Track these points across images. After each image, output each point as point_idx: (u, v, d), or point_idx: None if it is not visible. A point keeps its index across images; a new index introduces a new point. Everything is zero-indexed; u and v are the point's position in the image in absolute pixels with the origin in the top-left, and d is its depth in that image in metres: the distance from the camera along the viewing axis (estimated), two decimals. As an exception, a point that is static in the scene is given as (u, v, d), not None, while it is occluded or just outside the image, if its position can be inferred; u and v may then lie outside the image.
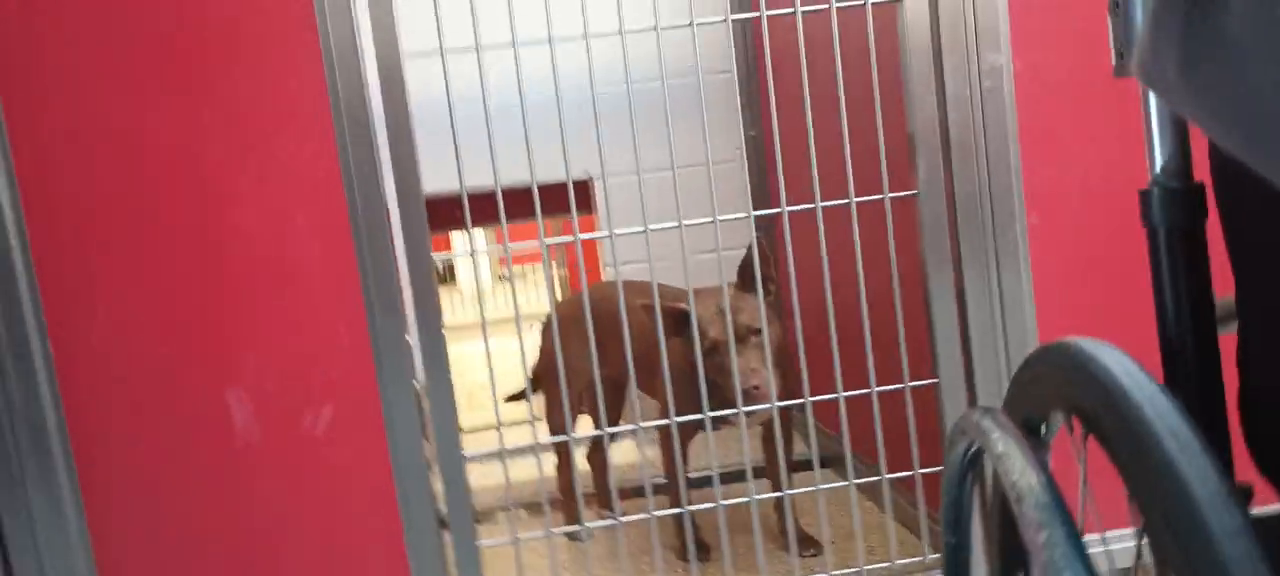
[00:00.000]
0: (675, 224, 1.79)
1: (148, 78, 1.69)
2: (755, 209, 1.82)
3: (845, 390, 1.79)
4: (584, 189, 3.19)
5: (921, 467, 1.79)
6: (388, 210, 1.75)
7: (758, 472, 2.28)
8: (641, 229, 1.80)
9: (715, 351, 1.98)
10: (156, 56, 1.70)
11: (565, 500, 2.53)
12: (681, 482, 2.01)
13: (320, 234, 1.74)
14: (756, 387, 1.90)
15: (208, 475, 1.74)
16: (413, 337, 1.79)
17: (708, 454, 2.86)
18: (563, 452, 2.52)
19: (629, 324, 1.93)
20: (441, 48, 1.70)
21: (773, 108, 1.73)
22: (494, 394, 1.94)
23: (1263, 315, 0.65)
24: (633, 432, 3.16)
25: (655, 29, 1.73)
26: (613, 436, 2.67)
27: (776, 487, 2.24)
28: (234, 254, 1.74)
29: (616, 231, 1.82)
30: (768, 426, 2.26)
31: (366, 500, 1.77)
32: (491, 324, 1.93)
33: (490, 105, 1.74)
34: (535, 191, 1.79)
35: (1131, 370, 0.58)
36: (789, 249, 1.76)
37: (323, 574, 1.77)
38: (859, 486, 1.88)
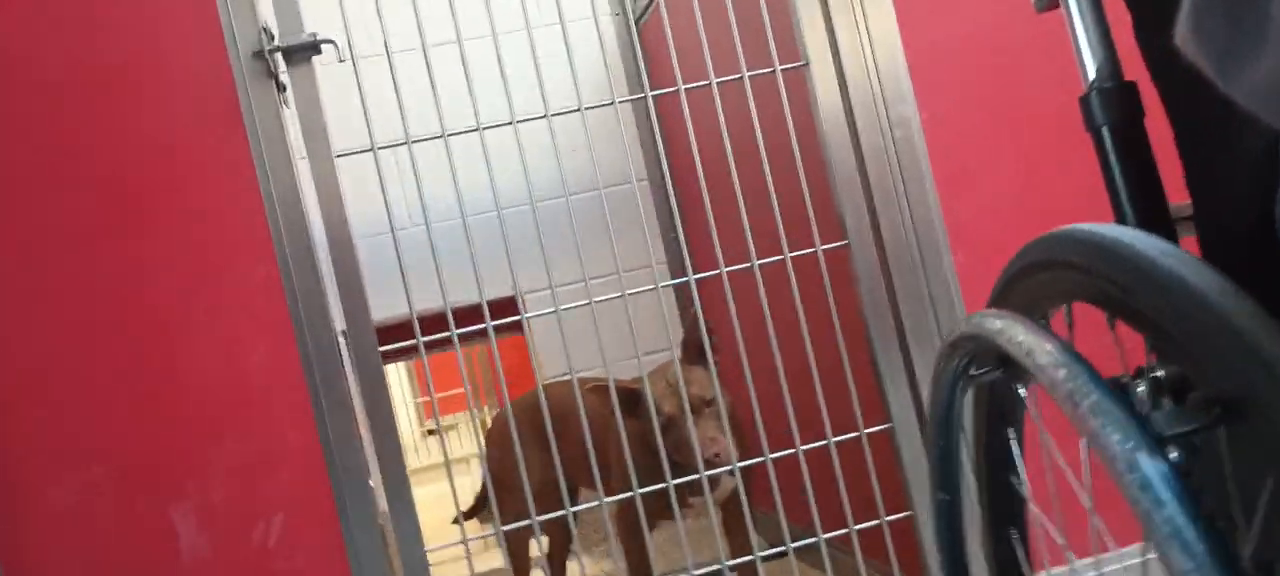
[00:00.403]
0: (596, 299, 1.81)
1: (93, 222, 1.69)
2: (681, 296, 1.87)
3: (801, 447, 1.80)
4: (510, 308, 3.20)
5: (888, 515, 1.80)
6: (333, 325, 1.74)
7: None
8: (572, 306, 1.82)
9: (672, 426, 1.98)
10: (101, 201, 1.69)
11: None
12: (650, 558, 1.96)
13: (268, 351, 1.72)
14: (717, 455, 1.90)
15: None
16: (369, 451, 1.76)
17: (676, 550, 2.82)
18: (521, 566, 2.45)
19: (583, 411, 1.92)
20: (381, 182, 1.73)
21: (701, 175, 1.79)
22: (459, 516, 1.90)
23: (1209, 207, 0.69)
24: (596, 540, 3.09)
25: (546, 116, 1.79)
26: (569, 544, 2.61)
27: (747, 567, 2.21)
28: (183, 381, 1.70)
29: (542, 316, 1.83)
30: (731, 505, 2.23)
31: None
32: (418, 472, 1.91)
33: (399, 235, 1.78)
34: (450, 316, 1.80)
35: (1152, 241, 0.60)
36: (732, 308, 1.80)
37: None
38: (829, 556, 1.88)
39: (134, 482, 1.67)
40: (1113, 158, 0.70)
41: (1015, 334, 0.64)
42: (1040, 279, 0.70)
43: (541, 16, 3.10)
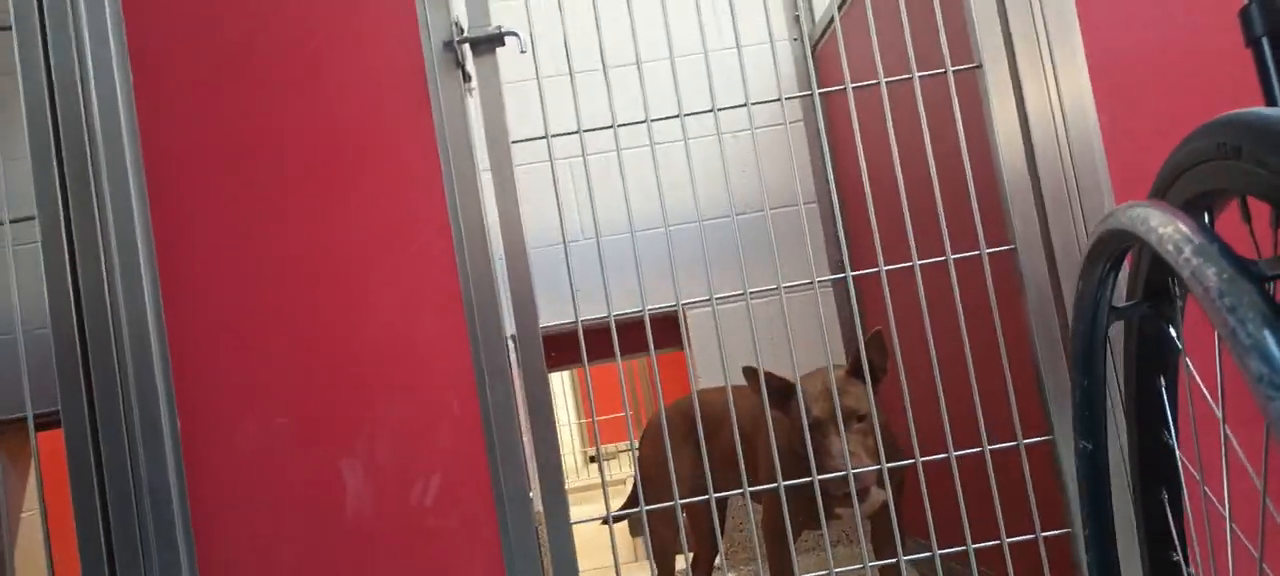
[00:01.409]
0: (752, 291, 1.82)
1: (292, 193, 1.84)
2: (841, 306, 1.84)
3: (963, 465, 1.75)
4: (671, 323, 3.24)
5: (1044, 531, 1.71)
6: (499, 299, 1.83)
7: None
8: (738, 293, 1.83)
9: (818, 430, 1.96)
10: (291, 177, 1.85)
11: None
12: (793, 562, 1.93)
13: (439, 322, 1.82)
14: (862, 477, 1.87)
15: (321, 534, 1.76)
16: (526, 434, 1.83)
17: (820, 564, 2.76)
18: (666, 567, 2.46)
19: (735, 411, 1.93)
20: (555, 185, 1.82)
21: (863, 168, 1.78)
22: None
23: None
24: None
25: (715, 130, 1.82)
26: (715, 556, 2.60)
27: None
28: (359, 341, 1.82)
29: (712, 305, 1.85)
30: (880, 520, 2.18)
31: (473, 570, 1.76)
32: (576, 490, 1.95)
33: (573, 248, 1.84)
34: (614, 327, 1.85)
35: None
36: (889, 308, 1.77)
37: (428, 649, 1.75)
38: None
39: (311, 433, 1.79)
40: (1272, 69, 0.67)
41: (1157, 222, 0.60)
42: (1204, 170, 0.65)
43: (720, 40, 3.19)
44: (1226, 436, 0.69)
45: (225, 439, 1.78)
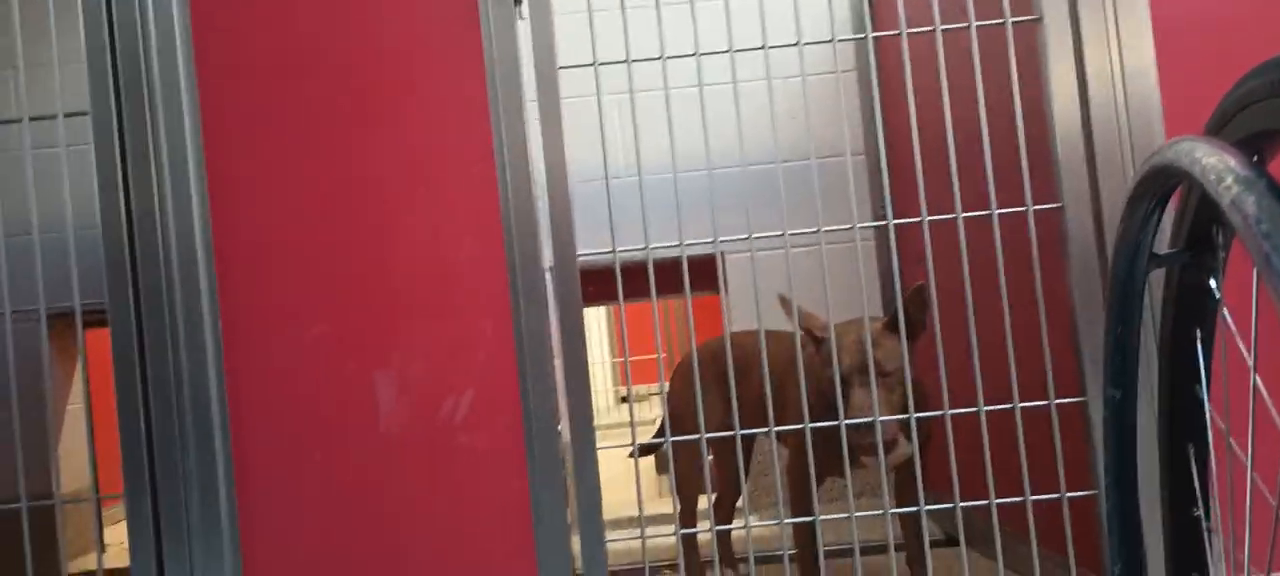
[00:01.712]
0: (791, 233, 1.81)
1: (336, 107, 1.86)
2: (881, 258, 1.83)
3: (991, 420, 1.74)
4: (708, 266, 3.24)
5: (1069, 491, 1.71)
6: (537, 223, 1.84)
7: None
8: (777, 233, 1.83)
9: (847, 381, 1.96)
10: (338, 93, 1.86)
11: (687, 554, 2.48)
12: (815, 507, 1.95)
13: (476, 241, 1.83)
14: (889, 438, 1.87)
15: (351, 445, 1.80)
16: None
17: (843, 526, 2.77)
18: (689, 509, 2.49)
19: (767, 357, 1.94)
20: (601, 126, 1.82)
21: (913, 117, 1.76)
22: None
23: None
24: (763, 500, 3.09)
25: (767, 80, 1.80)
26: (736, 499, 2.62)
27: (913, 554, 2.16)
28: (397, 259, 1.84)
29: (750, 241, 1.85)
30: (904, 473, 2.19)
31: (499, 492, 1.79)
32: (605, 428, 1.95)
33: (614, 185, 1.83)
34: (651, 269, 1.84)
35: None
36: (929, 258, 1.75)
37: (449, 561, 1.79)
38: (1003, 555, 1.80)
39: (346, 346, 1.83)
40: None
41: (1202, 154, 0.59)
42: (1257, 110, 0.63)
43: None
44: (1256, 385, 0.68)
45: (264, 344, 1.82)
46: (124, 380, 1.76)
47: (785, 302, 2.04)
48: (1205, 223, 0.74)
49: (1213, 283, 0.75)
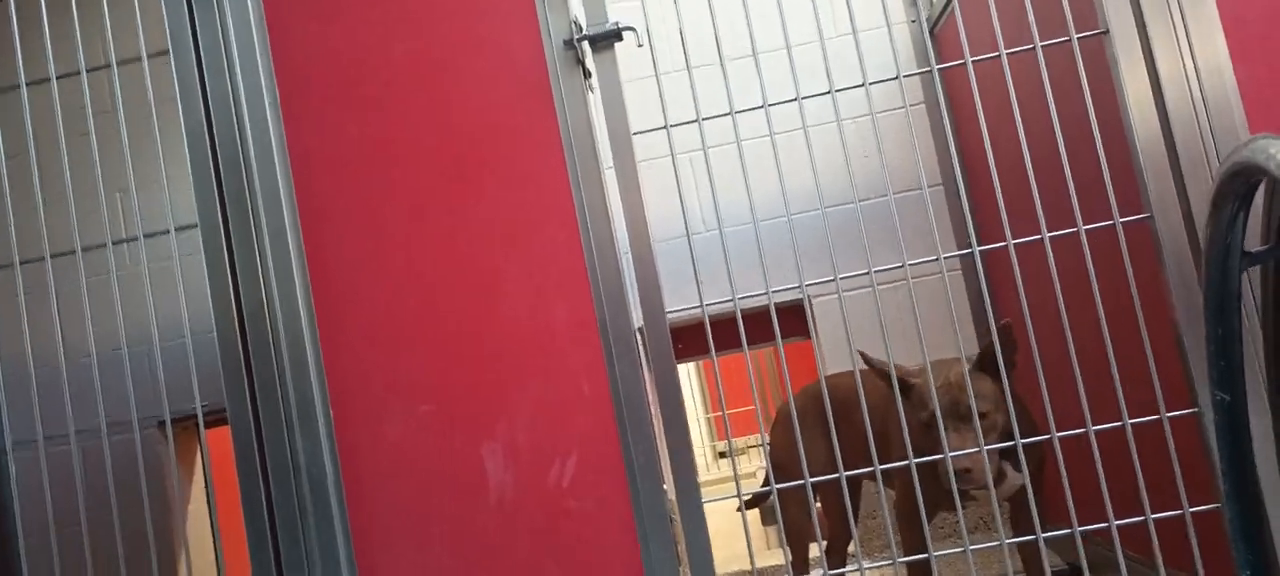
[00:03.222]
0: (876, 270, 1.81)
1: (428, 192, 1.94)
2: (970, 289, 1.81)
3: (1103, 442, 1.70)
4: (795, 313, 3.25)
5: (1191, 506, 1.66)
6: (623, 279, 1.89)
7: None
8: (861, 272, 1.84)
9: (930, 427, 1.94)
10: (427, 177, 1.95)
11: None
12: (928, 544, 1.92)
13: (568, 307, 1.89)
14: (967, 471, 1.85)
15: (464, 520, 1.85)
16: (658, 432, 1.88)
17: (962, 563, 2.72)
18: (800, 558, 2.47)
19: (865, 396, 1.94)
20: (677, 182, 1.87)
21: (986, 143, 1.76)
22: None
23: None
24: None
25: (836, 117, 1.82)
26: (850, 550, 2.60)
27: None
28: (495, 331, 1.90)
29: (837, 281, 1.86)
30: (1018, 504, 2.15)
31: (611, 553, 1.82)
32: (707, 483, 1.97)
33: (696, 240, 1.86)
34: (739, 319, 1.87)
35: None
36: (1019, 282, 1.74)
37: (568, 625, 1.81)
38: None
39: (453, 420, 1.89)
40: None
41: (1277, 150, 0.59)
42: None
43: (836, 28, 3.18)
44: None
45: (374, 426, 1.89)
46: (246, 471, 1.84)
47: (867, 359, 2.04)
48: None
49: None
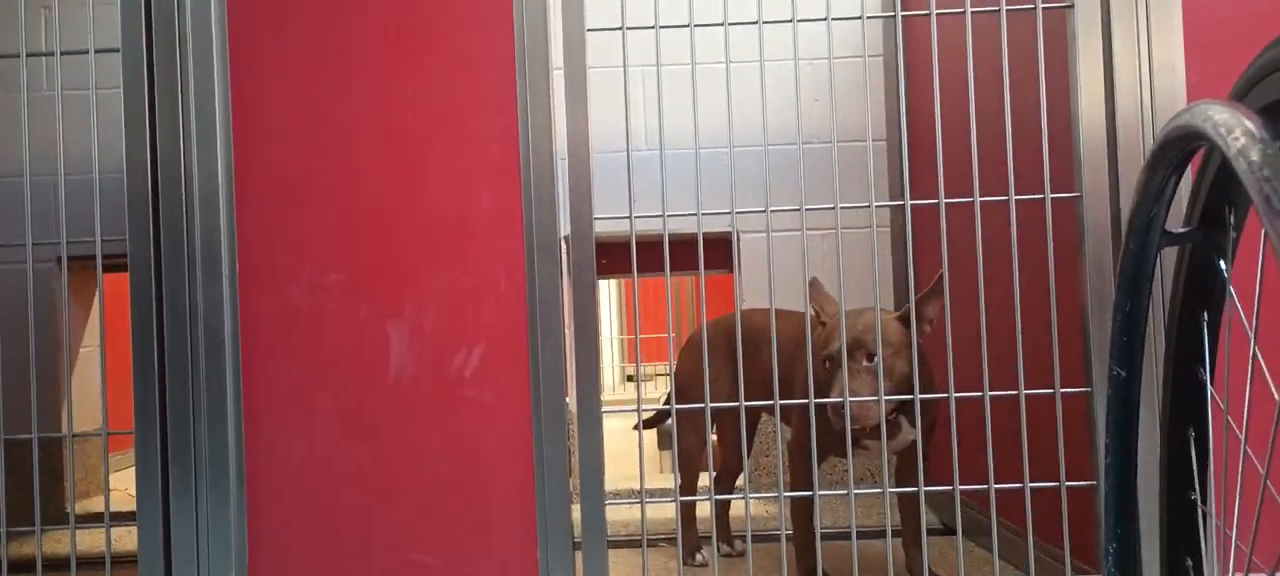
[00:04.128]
0: (808, 209, 1.81)
1: (365, 61, 1.86)
2: (899, 249, 1.82)
3: (995, 408, 1.75)
4: (720, 246, 3.25)
5: (1069, 481, 1.71)
6: (557, 176, 1.85)
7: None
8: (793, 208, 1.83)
9: (832, 362, 1.97)
10: (367, 42, 1.86)
11: (685, 526, 2.50)
12: (814, 485, 1.96)
13: (495, 195, 1.84)
14: (854, 417, 1.88)
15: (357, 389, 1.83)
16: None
17: (842, 507, 2.78)
18: (689, 480, 2.50)
19: (776, 335, 1.95)
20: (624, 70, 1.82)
21: (937, 99, 1.76)
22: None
23: None
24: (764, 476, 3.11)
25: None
26: (736, 478, 2.64)
27: (910, 539, 2.17)
28: (416, 209, 1.85)
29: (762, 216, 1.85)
30: (907, 459, 2.20)
31: (504, 450, 1.81)
32: (611, 401, 1.95)
33: (634, 157, 1.83)
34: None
35: None
36: (944, 242, 1.76)
37: (451, 515, 1.81)
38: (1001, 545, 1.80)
39: (362, 292, 1.84)
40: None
41: (1216, 113, 0.59)
42: (1278, 78, 0.63)
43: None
44: (1255, 355, 0.69)
45: (280, 287, 1.84)
46: (140, 313, 1.78)
47: (816, 284, 2.05)
48: (1218, 202, 0.74)
49: (1222, 263, 0.76)
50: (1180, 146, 0.72)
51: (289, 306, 1.84)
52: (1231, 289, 0.75)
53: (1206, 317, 0.80)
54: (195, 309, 1.78)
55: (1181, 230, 0.75)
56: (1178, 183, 0.76)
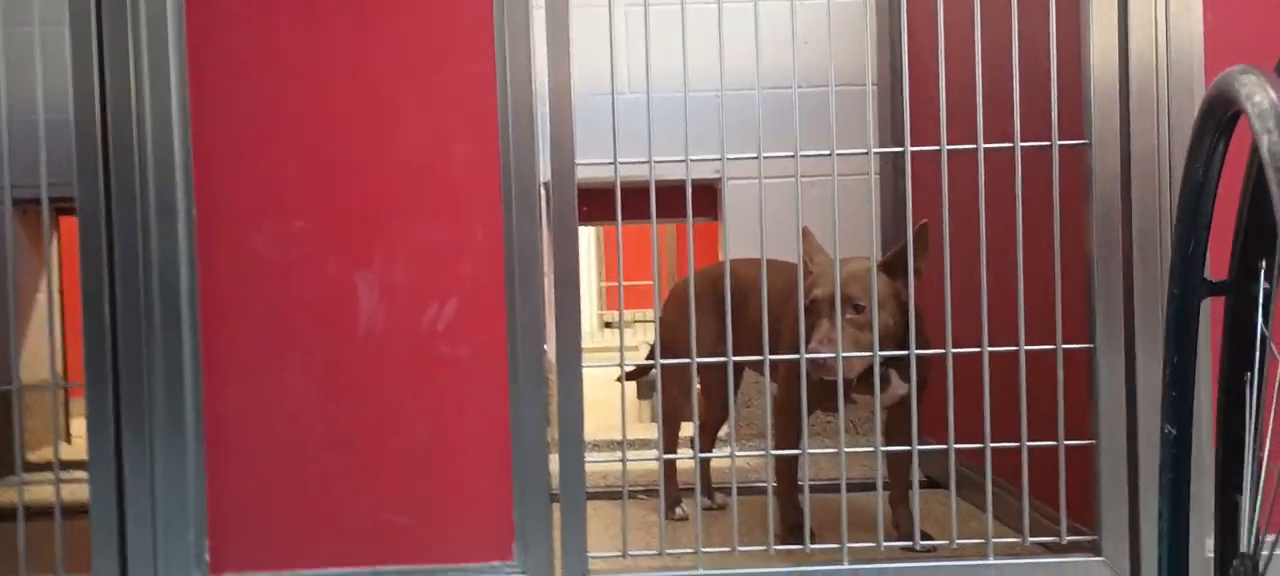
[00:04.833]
0: (802, 155, 1.72)
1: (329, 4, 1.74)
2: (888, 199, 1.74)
3: (991, 363, 1.68)
4: (707, 194, 3.16)
5: (1067, 439, 1.66)
6: (536, 126, 1.75)
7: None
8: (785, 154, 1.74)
9: (811, 312, 1.90)
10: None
11: (667, 481, 2.44)
12: (805, 441, 1.89)
13: (471, 145, 1.74)
14: (824, 364, 1.81)
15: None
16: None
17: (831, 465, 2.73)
18: (671, 436, 2.44)
19: (765, 286, 1.87)
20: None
21: (939, 42, 1.67)
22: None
23: None
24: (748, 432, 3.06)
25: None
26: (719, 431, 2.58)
27: (898, 493, 2.11)
28: (387, 156, 1.74)
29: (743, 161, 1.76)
30: (898, 413, 2.13)
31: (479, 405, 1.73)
32: (590, 351, 1.85)
33: (618, 101, 1.73)
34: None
35: None
36: (945, 189, 1.67)
37: (424, 473, 1.73)
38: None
39: (329, 242, 1.74)
40: None
41: (1246, 85, 0.53)
42: None
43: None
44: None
45: (242, 236, 1.73)
46: (90, 265, 1.67)
47: (808, 234, 1.96)
48: (1254, 253, 0.68)
49: (1261, 324, 0.69)
50: (1219, 111, 0.65)
51: (252, 256, 1.74)
52: (1266, 334, 0.68)
53: (1249, 379, 0.73)
54: (149, 257, 1.67)
55: (1220, 280, 0.68)
56: (1226, 146, 0.68)
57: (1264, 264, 0.72)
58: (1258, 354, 0.73)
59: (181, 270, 1.67)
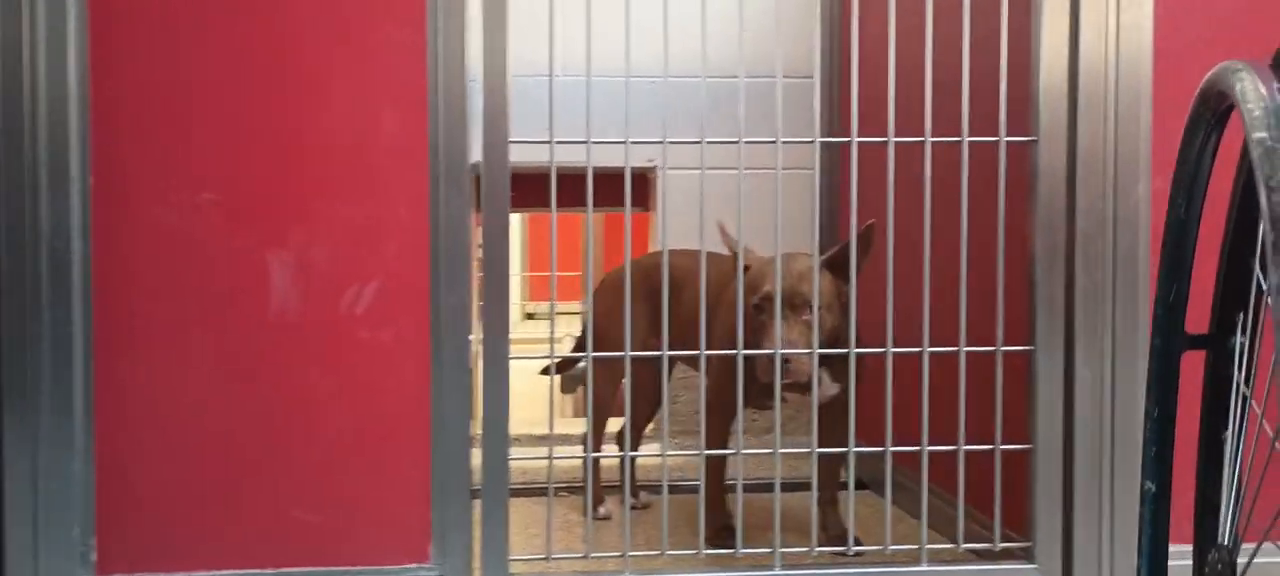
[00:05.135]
0: (744, 141, 1.67)
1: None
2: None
3: (930, 363, 1.64)
4: (643, 182, 3.08)
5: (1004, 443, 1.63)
6: (466, 102, 1.66)
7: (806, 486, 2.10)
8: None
9: (760, 310, 1.85)
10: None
11: (595, 478, 2.36)
12: (740, 439, 1.83)
13: (398, 120, 1.64)
14: (789, 364, 1.76)
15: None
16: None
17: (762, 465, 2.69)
18: (599, 427, 2.36)
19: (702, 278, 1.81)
20: None
21: (890, 31, 1.62)
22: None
23: None
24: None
25: None
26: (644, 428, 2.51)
27: (827, 495, 2.07)
28: (306, 127, 1.63)
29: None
30: (832, 412, 2.09)
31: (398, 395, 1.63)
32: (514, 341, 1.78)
33: (556, 84, 1.65)
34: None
35: None
36: (891, 182, 1.63)
37: (336, 467, 1.62)
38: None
39: (240, 217, 1.62)
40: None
41: (1238, 77, 0.50)
42: None
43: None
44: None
45: (143, 206, 1.60)
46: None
47: (724, 231, 1.90)
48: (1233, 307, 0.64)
49: (1237, 375, 0.66)
50: (1214, 104, 0.61)
51: (153, 228, 1.61)
52: (1246, 392, 0.65)
53: (1225, 434, 0.70)
54: (37, 225, 1.53)
55: (1200, 334, 0.65)
56: (1218, 138, 0.64)
57: (1240, 317, 0.70)
58: (1233, 409, 0.70)
59: (74, 240, 1.53)
